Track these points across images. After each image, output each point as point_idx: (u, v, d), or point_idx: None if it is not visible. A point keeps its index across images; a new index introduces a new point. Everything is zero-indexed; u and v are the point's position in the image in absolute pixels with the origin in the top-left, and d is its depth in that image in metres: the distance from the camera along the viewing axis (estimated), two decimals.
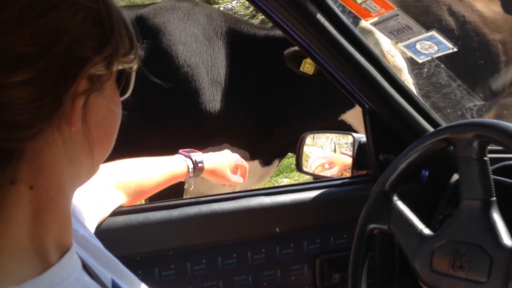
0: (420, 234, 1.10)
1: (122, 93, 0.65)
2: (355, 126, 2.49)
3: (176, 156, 1.38)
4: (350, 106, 2.39)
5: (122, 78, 0.63)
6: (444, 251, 1.05)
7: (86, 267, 0.64)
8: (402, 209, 1.15)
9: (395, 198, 1.17)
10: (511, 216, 1.05)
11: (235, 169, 1.51)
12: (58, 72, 0.50)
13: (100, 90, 0.56)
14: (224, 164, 1.45)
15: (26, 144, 0.50)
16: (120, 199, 1.20)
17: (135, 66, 0.63)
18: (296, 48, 2.16)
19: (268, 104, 2.67)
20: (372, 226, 1.19)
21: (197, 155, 1.38)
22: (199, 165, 1.36)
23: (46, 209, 0.55)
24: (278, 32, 2.42)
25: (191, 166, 1.35)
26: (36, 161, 0.52)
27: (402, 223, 1.14)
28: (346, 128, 2.50)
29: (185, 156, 1.37)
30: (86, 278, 0.62)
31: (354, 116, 2.43)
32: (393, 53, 2.33)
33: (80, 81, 0.52)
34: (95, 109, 0.57)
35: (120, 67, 0.60)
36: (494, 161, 1.39)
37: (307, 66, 2.27)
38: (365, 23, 2.17)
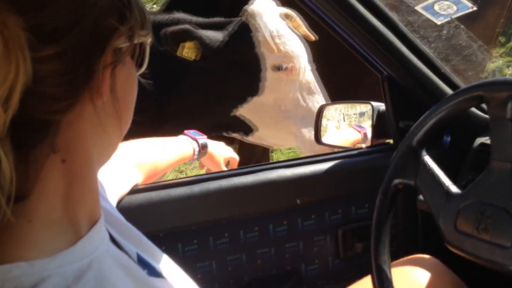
0: (447, 191, 1.07)
1: (139, 67, 0.66)
2: (252, 121, 2.11)
3: (182, 137, 1.41)
4: (242, 101, 2.05)
5: (138, 52, 0.64)
6: (469, 211, 1.02)
7: (113, 240, 0.65)
8: (429, 165, 1.11)
9: (423, 153, 1.13)
10: None
11: (225, 161, 1.56)
12: (88, 44, 0.51)
13: (123, 63, 0.58)
14: (221, 154, 1.51)
15: (62, 117, 0.51)
16: (138, 178, 1.22)
17: (149, 39, 0.64)
18: (182, 27, 1.91)
19: (151, 98, 2.15)
20: (397, 181, 1.14)
21: (203, 139, 1.42)
22: (204, 149, 1.41)
23: (78, 182, 0.56)
24: (163, 17, 2.11)
25: (197, 148, 1.39)
26: (68, 133, 0.53)
27: (429, 179, 1.10)
28: (239, 124, 2.15)
29: (192, 138, 1.40)
30: (114, 249, 0.63)
31: (250, 111, 2.08)
32: (285, 38, 1.99)
33: (108, 52, 0.54)
34: (120, 81, 0.58)
35: (139, 40, 0.61)
36: None
37: (186, 51, 1.92)
38: (251, 7, 1.96)
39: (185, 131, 1.44)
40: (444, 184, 1.08)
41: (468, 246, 1.01)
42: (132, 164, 1.19)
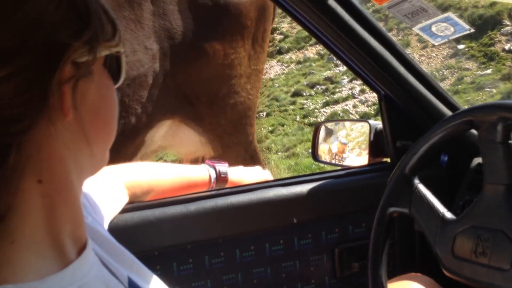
0: (442, 218, 1.07)
1: (115, 80, 0.65)
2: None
3: (202, 165, 1.38)
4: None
5: (112, 64, 0.63)
6: (466, 236, 1.02)
7: (103, 263, 0.64)
8: (423, 192, 1.11)
9: (416, 181, 1.14)
10: None
11: None
12: (40, 62, 0.50)
13: (88, 76, 0.56)
14: (249, 179, 1.46)
15: (21, 138, 0.50)
16: (129, 197, 1.20)
17: (121, 50, 0.63)
18: None
19: None
20: (392, 209, 1.15)
21: (222, 166, 1.38)
22: (223, 176, 1.36)
23: (58, 201, 0.55)
24: None
25: (213, 175, 1.35)
26: (39, 154, 0.52)
27: (424, 206, 1.11)
28: None
29: (210, 165, 1.37)
30: (105, 273, 0.62)
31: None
32: None
33: (64, 68, 0.52)
34: (87, 96, 0.57)
35: (106, 52, 0.60)
36: None
37: None
38: None
39: (206, 160, 1.41)
40: (439, 211, 1.08)
41: (466, 272, 1.01)
42: (124, 184, 1.18)
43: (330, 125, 1.90)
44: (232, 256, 1.33)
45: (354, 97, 10.88)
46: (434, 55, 10.78)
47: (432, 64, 10.50)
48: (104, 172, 0.86)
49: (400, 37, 11.57)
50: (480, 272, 0.99)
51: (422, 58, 10.85)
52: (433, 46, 10.78)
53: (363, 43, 1.22)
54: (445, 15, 1.12)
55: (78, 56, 0.54)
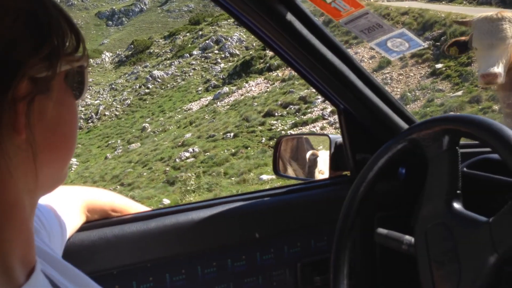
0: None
1: (76, 95, 0.62)
2: None
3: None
4: None
5: (73, 79, 0.61)
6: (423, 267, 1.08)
7: (55, 285, 0.61)
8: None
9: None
10: (485, 208, 1.05)
11: None
12: None
13: (45, 93, 0.54)
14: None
15: None
16: (85, 218, 1.18)
17: (84, 64, 0.61)
18: None
19: None
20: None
21: None
22: None
23: (6, 224, 0.53)
24: None
25: None
26: None
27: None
28: None
29: None
30: None
31: None
32: None
33: (20, 85, 0.50)
34: (44, 113, 0.55)
35: (67, 66, 0.57)
36: (470, 155, 1.40)
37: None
38: None
39: None
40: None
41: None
42: (83, 204, 1.15)
43: (290, 139, 1.91)
44: (194, 273, 1.31)
45: (324, 118, 10.99)
46: (412, 74, 11.03)
47: (409, 84, 10.74)
48: (63, 190, 0.83)
49: (381, 56, 11.90)
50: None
51: (400, 77, 11.09)
52: (413, 65, 11.05)
53: (321, 58, 1.24)
54: (400, 31, 1.15)
55: (36, 72, 0.52)
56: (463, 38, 4.34)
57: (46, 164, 0.57)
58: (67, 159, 0.62)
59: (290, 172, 1.80)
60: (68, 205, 1.07)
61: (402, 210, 1.46)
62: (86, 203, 1.18)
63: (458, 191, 1.03)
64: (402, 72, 11.29)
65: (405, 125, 1.41)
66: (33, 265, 0.58)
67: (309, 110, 11.06)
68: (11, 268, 0.53)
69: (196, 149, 15.55)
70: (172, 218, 1.28)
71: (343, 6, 1.10)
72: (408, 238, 1.16)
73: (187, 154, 15.71)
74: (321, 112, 10.66)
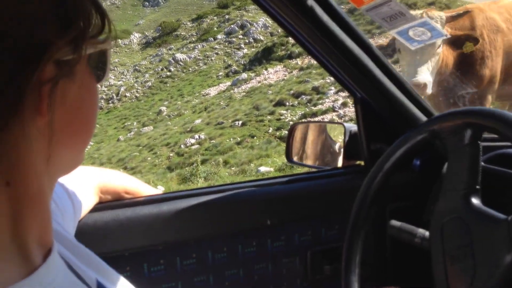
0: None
1: (99, 78, 0.61)
2: None
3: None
4: None
5: (96, 61, 0.60)
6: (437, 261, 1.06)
7: (70, 267, 0.61)
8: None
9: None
10: (503, 205, 1.04)
11: None
12: (18, 59, 0.47)
13: (69, 77, 0.54)
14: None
15: None
16: (98, 199, 1.18)
17: (109, 47, 0.60)
18: None
19: None
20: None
21: None
22: None
23: (26, 205, 0.52)
24: None
25: None
26: (10, 155, 0.49)
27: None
28: None
29: None
30: (73, 278, 0.59)
31: None
32: None
33: (45, 68, 0.49)
34: (66, 97, 0.54)
35: (92, 50, 0.57)
36: (487, 149, 1.38)
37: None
38: None
39: None
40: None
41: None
42: (97, 185, 1.16)
43: (304, 126, 1.90)
44: (204, 258, 1.31)
45: (334, 110, 10.79)
46: None
47: None
48: (77, 170, 0.83)
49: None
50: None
51: None
52: None
53: (341, 45, 1.22)
54: (422, 19, 1.13)
55: (62, 55, 0.51)
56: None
57: (66, 147, 0.57)
58: (86, 142, 0.61)
59: (303, 159, 1.79)
60: (81, 185, 1.07)
61: (415, 202, 1.45)
62: (99, 184, 1.18)
63: (477, 186, 1.01)
64: None
65: (423, 117, 1.39)
66: (50, 247, 0.58)
67: (320, 101, 10.83)
68: (29, 250, 0.53)
69: (202, 136, 15.47)
70: (185, 202, 1.28)
71: None
72: (422, 231, 1.15)
73: (193, 141, 15.61)
74: (332, 104, 10.43)
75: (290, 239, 1.42)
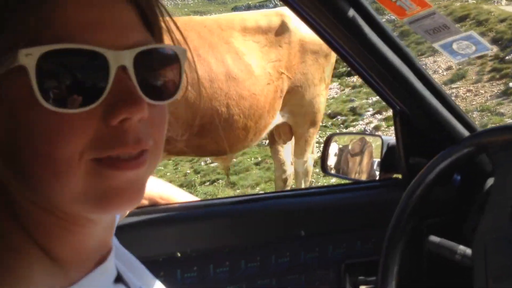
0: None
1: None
2: None
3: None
4: None
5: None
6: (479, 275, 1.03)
7: (120, 277, 0.63)
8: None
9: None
10: None
11: None
12: None
13: None
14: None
15: None
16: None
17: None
18: None
19: None
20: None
21: None
22: None
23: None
24: None
25: None
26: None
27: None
28: None
29: None
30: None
31: None
32: None
33: None
34: None
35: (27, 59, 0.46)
36: None
37: None
38: None
39: None
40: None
41: None
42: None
43: (341, 137, 1.88)
44: (237, 266, 1.31)
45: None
46: (482, 92, 10.06)
47: (474, 103, 9.78)
48: None
49: (458, 68, 10.99)
50: None
51: (468, 94, 10.18)
52: (488, 81, 10.15)
53: (381, 56, 1.21)
54: (467, 33, 1.10)
55: None
56: None
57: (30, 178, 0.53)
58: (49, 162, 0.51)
59: (339, 171, 1.77)
60: None
61: (453, 218, 1.41)
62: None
63: None
64: (472, 88, 10.27)
65: (465, 132, 1.35)
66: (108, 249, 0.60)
67: (354, 123, 10.47)
68: (68, 263, 0.55)
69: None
70: (219, 209, 1.29)
71: (408, 5, 1.06)
72: (463, 248, 1.12)
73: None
74: (364, 126, 10.13)
75: (324, 250, 1.40)
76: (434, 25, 1.08)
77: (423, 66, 1.26)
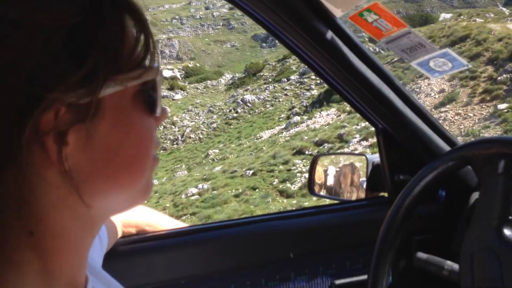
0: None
1: (151, 111, 0.57)
2: None
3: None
4: None
5: (144, 94, 0.56)
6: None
7: None
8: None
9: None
10: None
11: None
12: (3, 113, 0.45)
13: (88, 120, 0.49)
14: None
15: None
16: (121, 233, 1.19)
17: (152, 77, 0.55)
18: None
19: None
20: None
21: None
22: None
23: (52, 254, 0.52)
24: None
25: None
26: (29, 206, 0.49)
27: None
28: None
29: None
30: None
31: None
32: None
33: (41, 119, 0.46)
34: (95, 138, 0.50)
35: (119, 87, 0.51)
36: None
37: None
38: None
39: None
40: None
41: None
42: (119, 220, 1.16)
43: (326, 158, 1.89)
44: None
45: None
46: (471, 115, 10.01)
47: (462, 127, 9.78)
48: None
49: (451, 90, 10.92)
50: None
51: (456, 118, 10.13)
52: (478, 103, 10.07)
53: (361, 77, 1.23)
54: (443, 50, 1.13)
55: (71, 99, 0.47)
56: None
57: (102, 191, 0.54)
58: (133, 184, 0.57)
59: (325, 191, 1.78)
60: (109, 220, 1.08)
61: (440, 234, 1.42)
62: (122, 218, 1.19)
63: (510, 217, 0.99)
64: (461, 111, 10.20)
65: (446, 147, 1.37)
66: (83, 283, 0.58)
67: (339, 151, 10.46)
68: None
69: (206, 186, 14.60)
70: (207, 235, 1.28)
71: (384, 26, 1.09)
72: (450, 263, 1.12)
73: (195, 191, 14.64)
74: None
75: (314, 271, 1.40)
76: (410, 44, 1.11)
77: (415, 90, 1.29)
